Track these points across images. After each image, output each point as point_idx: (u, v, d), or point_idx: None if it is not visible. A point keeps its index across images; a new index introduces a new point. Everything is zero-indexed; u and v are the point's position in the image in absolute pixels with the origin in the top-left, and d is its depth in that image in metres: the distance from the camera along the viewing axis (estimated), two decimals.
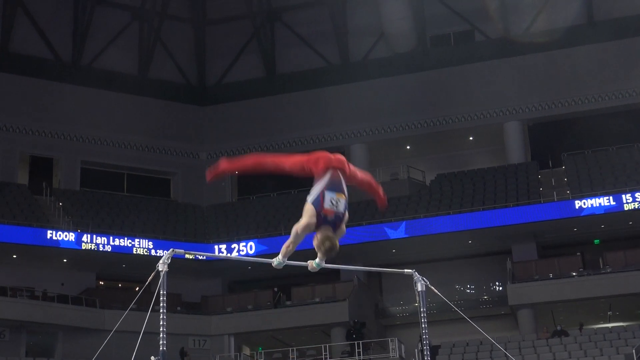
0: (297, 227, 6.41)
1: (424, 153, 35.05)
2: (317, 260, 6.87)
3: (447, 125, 33.80)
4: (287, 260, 7.12)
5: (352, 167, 6.76)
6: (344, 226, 6.52)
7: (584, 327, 27.24)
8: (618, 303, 28.89)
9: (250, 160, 7.02)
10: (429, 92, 33.91)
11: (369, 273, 31.53)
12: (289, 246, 6.64)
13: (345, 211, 6.46)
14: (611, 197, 27.81)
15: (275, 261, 6.99)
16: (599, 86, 32.42)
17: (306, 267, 7.08)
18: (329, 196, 6.34)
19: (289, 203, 33.33)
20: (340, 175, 6.51)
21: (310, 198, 6.42)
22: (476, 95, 33.41)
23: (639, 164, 30.34)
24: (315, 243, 6.39)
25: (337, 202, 6.36)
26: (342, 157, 6.67)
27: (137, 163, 34.64)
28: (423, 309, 8.88)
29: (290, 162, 6.79)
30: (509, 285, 28.17)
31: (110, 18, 34.60)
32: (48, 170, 33.31)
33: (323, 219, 6.32)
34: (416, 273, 8.94)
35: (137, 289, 29.83)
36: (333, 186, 6.38)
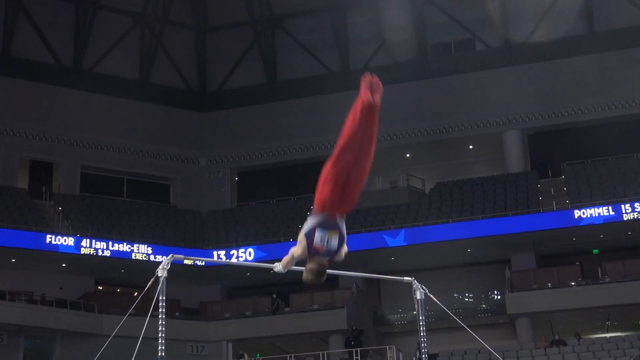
0: (294, 251, 6.44)
1: (424, 161, 35.05)
2: (279, 267, 6.94)
3: (447, 134, 33.82)
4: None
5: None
6: (342, 253, 6.44)
7: (582, 337, 27.22)
8: (616, 313, 28.88)
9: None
10: (429, 101, 33.94)
11: (368, 280, 31.53)
12: (288, 262, 6.68)
13: (339, 247, 6.36)
14: (610, 207, 27.79)
15: (277, 267, 7.03)
16: (599, 96, 32.44)
17: None
18: (319, 234, 6.24)
19: (288, 210, 33.34)
20: (337, 216, 6.32)
21: (304, 229, 6.35)
22: (476, 104, 33.44)
23: (638, 174, 30.34)
24: (305, 268, 6.36)
25: (329, 240, 6.26)
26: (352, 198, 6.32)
27: (137, 168, 34.64)
28: (422, 317, 8.89)
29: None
30: (508, 294, 28.16)
31: (112, 23, 34.64)
32: (48, 175, 33.32)
33: (314, 252, 6.27)
34: (415, 281, 8.96)
35: (135, 294, 29.76)
36: (326, 224, 6.25)
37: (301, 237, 6.33)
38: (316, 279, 6.34)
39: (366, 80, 5.97)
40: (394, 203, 31.91)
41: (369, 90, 5.92)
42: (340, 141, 6.08)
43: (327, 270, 6.38)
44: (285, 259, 6.63)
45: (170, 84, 36.01)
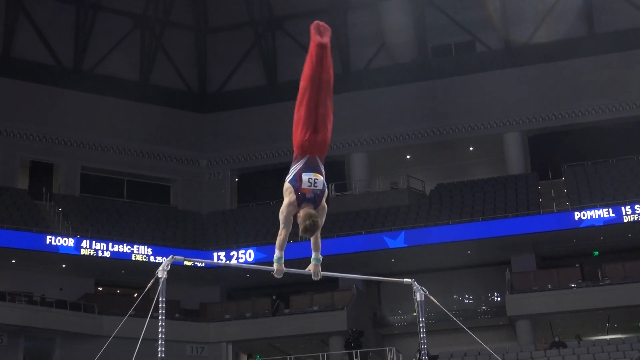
0: (282, 209, 6.64)
1: (424, 163, 35.05)
2: (313, 256, 7.07)
3: (447, 135, 33.83)
4: (287, 268, 7.25)
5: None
6: (324, 202, 6.72)
7: (582, 339, 27.21)
8: (616, 315, 28.87)
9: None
10: (430, 102, 33.96)
11: (368, 282, 31.52)
12: (280, 234, 6.84)
13: (324, 188, 6.67)
14: (610, 209, 27.79)
15: (274, 258, 7.17)
16: (600, 98, 32.44)
17: (305, 275, 7.22)
18: (306, 176, 6.56)
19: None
20: (318, 158, 6.71)
21: (287, 178, 6.64)
22: (476, 105, 33.45)
23: (638, 175, 30.33)
24: (298, 221, 6.57)
25: (315, 180, 6.58)
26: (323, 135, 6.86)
27: (137, 169, 34.65)
28: (422, 318, 8.88)
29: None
30: (508, 295, 28.16)
31: (112, 24, 34.65)
32: (48, 176, 33.32)
33: (302, 197, 6.55)
34: (415, 283, 8.95)
35: (135, 295, 29.84)
36: (309, 168, 6.61)
37: (287, 185, 6.62)
38: (311, 227, 6.50)
39: (314, 25, 6.59)
40: (394, 204, 31.91)
41: (318, 34, 6.59)
42: (301, 84, 6.72)
43: (326, 273, 6.50)
44: (279, 233, 6.81)
45: (170, 85, 36.02)
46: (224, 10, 36.17)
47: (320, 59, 6.64)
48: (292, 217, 6.74)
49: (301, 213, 6.55)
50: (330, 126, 6.95)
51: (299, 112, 6.69)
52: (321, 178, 6.63)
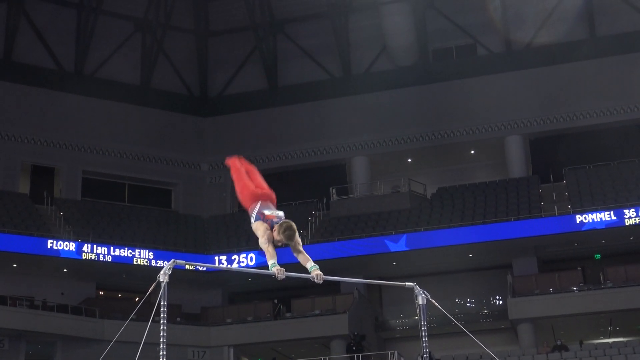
0: (261, 243, 7.58)
1: (426, 166, 35.05)
2: (309, 266, 7.66)
3: (448, 139, 33.83)
4: (289, 272, 7.40)
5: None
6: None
7: (584, 342, 27.18)
8: (618, 318, 28.83)
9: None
10: (431, 105, 33.97)
11: (369, 286, 31.51)
12: (267, 251, 7.59)
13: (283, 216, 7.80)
14: (612, 212, 27.77)
15: (269, 266, 7.53)
16: (601, 101, 32.44)
17: (306, 279, 7.48)
18: (266, 210, 7.76)
19: (289, 215, 33.03)
20: (270, 202, 7.98)
21: (251, 220, 7.78)
22: (478, 108, 33.45)
23: None
24: (277, 238, 7.53)
25: (275, 212, 7.80)
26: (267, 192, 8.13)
27: (139, 173, 34.65)
28: (423, 322, 8.87)
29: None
30: (510, 299, 28.13)
31: (113, 28, 34.69)
32: (49, 180, 33.34)
33: (271, 222, 7.65)
34: (417, 286, 8.93)
35: (136, 299, 29.79)
36: (266, 206, 7.84)
37: (254, 224, 7.70)
38: (289, 229, 7.52)
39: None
40: (395, 208, 31.90)
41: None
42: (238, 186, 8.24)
43: (328, 277, 7.51)
44: (261, 242, 7.62)
45: (171, 89, 36.04)
46: (225, 14, 36.20)
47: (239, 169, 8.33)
48: (270, 242, 7.58)
49: (275, 230, 7.55)
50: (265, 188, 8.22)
51: (241, 189, 8.20)
52: (279, 211, 7.81)
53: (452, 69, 34.47)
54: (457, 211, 30.93)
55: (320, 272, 7.51)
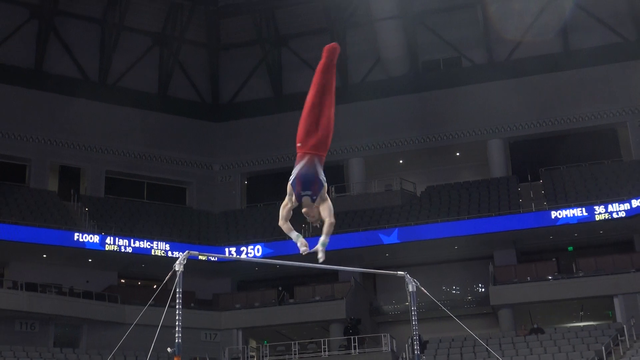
0: (284, 205, 6.97)
1: (416, 167, 35.04)
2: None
3: (436, 142, 33.83)
4: (292, 262, 7.32)
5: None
6: (324, 194, 6.86)
7: (558, 326, 27.17)
8: (589, 304, 28.85)
9: None
10: (421, 112, 33.95)
11: (365, 274, 31.50)
12: (284, 215, 7.15)
13: (321, 185, 6.77)
14: (584, 209, 27.79)
15: (294, 238, 7.20)
16: (574, 108, 32.46)
17: (308, 268, 7.26)
18: (301, 180, 6.71)
19: (293, 211, 33.30)
20: (317, 159, 6.83)
21: (290, 179, 6.77)
22: (463, 115, 33.44)
23: (609, 178, 30.34)
24: (304, 211, 6.79)
25: (311, 178, 6.72)
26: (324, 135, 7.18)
27: (156, 173, 34.66)
28: (413, 307, 8.89)
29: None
30: (491, 287, 28.15)
31: (134, 42, 34.67)
32: (76, 179, 33.33)
33: (299, 196, 6.74)
34: (407, 275, 8.96)
35: (155, 286, 29.80)
36: (306, 172, 6.72)
37: (289, 187, 6.80)
38: (306, 214, 6.76)
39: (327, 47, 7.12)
40: (388, 205, 31.89)
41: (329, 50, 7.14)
42: (311, 88, 7.35)
43: (327, 266, 6.60)
44: (281, 213, 7.07)
45: (186, 97, 36.04)
46: (234, 30, 36.19)
47: (327, 67, 7.19)
48: (290, 211, 7.01)
49: (303, 209, 6.76)
50: (330, 132, 7.19)
51: (305, 110, 7.06)
52: (315, 180, 6.72)
53: (440, 79, 34.44)
54: (444, 207, 30.92)
55: (323, 255, 7.20)
